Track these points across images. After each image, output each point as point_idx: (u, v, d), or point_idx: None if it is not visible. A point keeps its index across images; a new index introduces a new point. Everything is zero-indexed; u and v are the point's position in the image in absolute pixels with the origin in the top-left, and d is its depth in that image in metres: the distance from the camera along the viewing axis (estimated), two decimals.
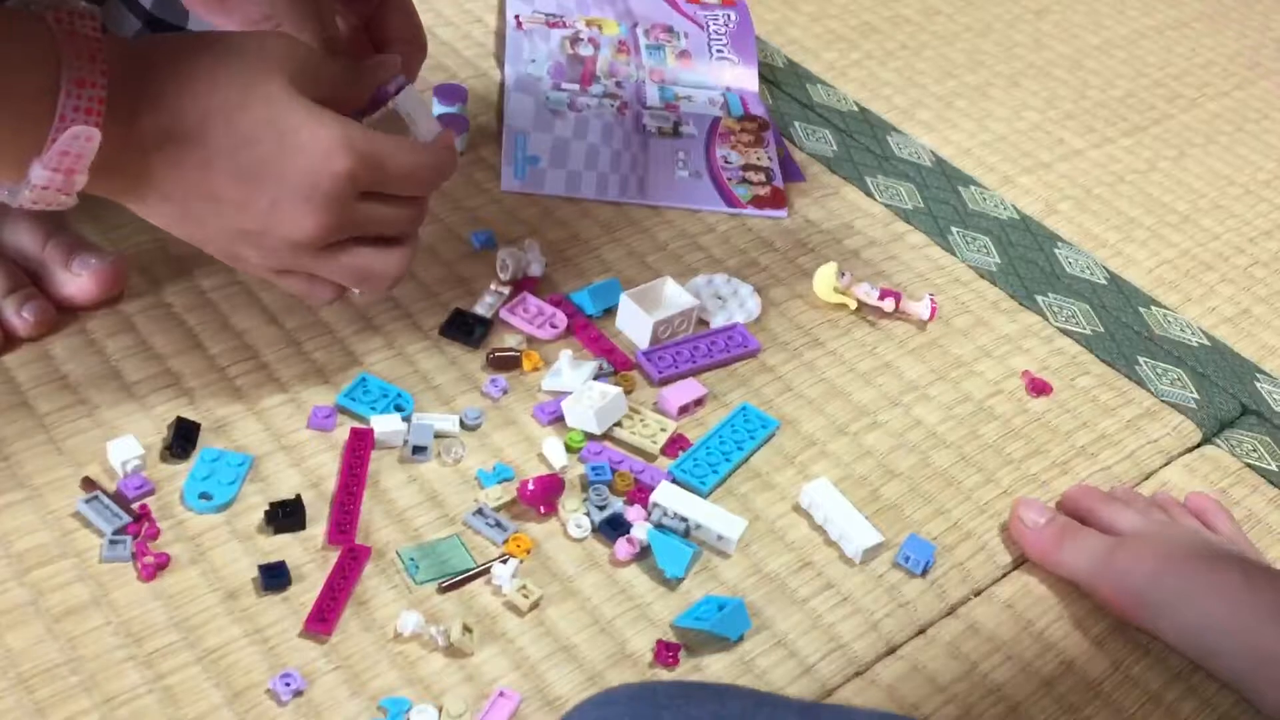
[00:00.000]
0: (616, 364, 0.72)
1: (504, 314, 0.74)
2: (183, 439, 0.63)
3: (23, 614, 0.55)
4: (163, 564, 0.58)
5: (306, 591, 0.58)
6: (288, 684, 0.54)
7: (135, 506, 0.60)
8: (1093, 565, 0.63)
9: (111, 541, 0.58)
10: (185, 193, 0.55)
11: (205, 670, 0.55)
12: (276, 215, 0.55)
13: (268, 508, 0.60)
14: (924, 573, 0.64)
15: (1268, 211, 0.96)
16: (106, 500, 0.59)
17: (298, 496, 0.61)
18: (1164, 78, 1.11)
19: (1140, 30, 1.17)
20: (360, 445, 0.64)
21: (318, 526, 0.61)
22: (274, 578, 0.58)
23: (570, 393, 0.68)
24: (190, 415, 0.64)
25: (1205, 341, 0.82)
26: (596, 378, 0.70)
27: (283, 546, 0.60)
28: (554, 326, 0.73)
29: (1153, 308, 0.84)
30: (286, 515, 0.60)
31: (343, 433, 0.65)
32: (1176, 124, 1.04)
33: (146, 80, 0.53)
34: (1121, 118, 1.04)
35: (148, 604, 0.57)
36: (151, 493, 0.61)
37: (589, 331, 0.74)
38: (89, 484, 0.60)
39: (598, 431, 0.67)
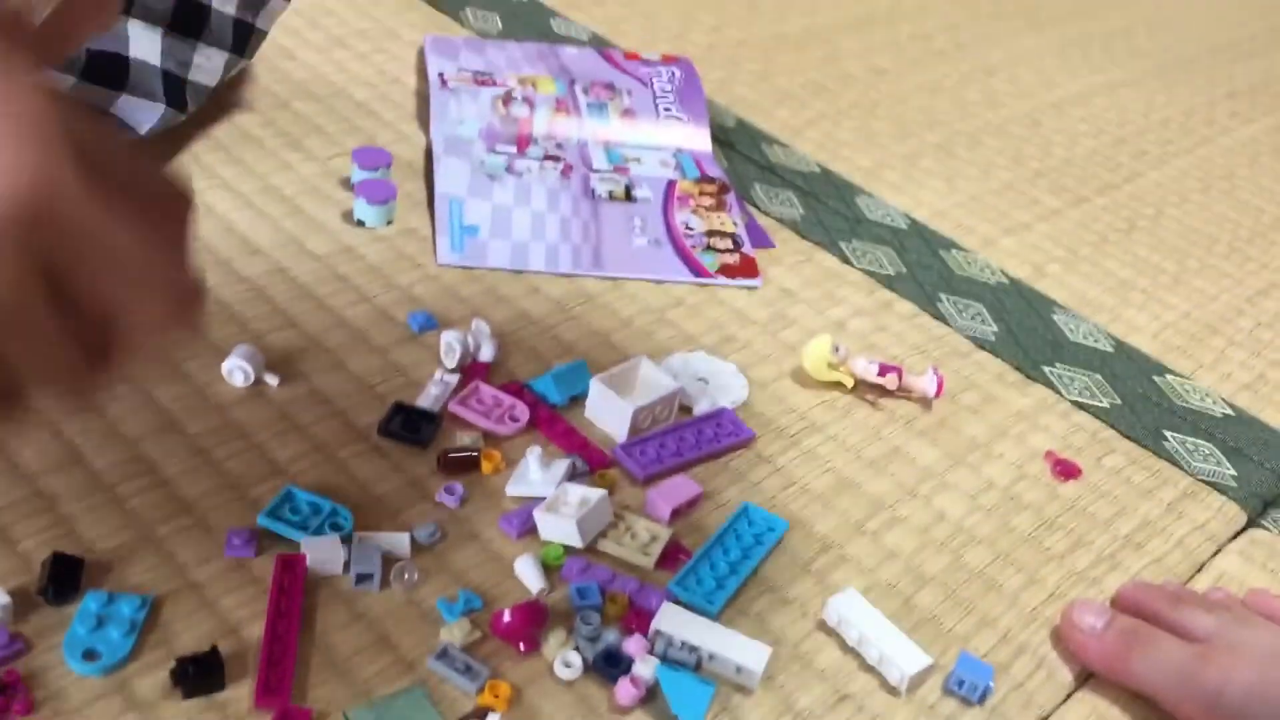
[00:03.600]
0: (592, 461, 0.61)
1: (454, 407, 0.62)
2: (61, 580, 0.49)
3: None
4: None
5: None
6: None
7: (1, 673, 0.46)
8: (1174, 679, 0.53)
9: None
10: None
11: None
12: None
13: (174, 664, 0.47)
14: (982, 699, 0.53)
15: (1257, 270, 0.89)
16: None
17: (213, 648, 0.48)
18: (1125, 135, 1.05)
19: (1091, 87, 1.12)
20: (290, 577, 0.52)
21: (241, 686, 0.48)
22: None
23: (542, 498, 0.57)
24: (70, 549, 0.51)
25: (1229, 411, 0.74)
26: (570, 479, 0.59)
27: (197, 715, 0.47)
28: (515, 420, 0.62)
29: (1167, 376, 0.76)
30: (199, 673, 0.47)
31: (267, 562, 0.52)
32: (1148, 181, 0.98)
33: None
34: (1092, 175, 0.97)
35: None
36: (22, 653, 0.47)
37: (556, 424, 0.62)
38: None
39: (581, 544, 0.55)
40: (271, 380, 0.61)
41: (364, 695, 0.48)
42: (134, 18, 0.71)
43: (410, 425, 0.60)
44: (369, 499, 0.57)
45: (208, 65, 0.75)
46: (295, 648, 0.49)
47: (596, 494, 0.56)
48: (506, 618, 0.51)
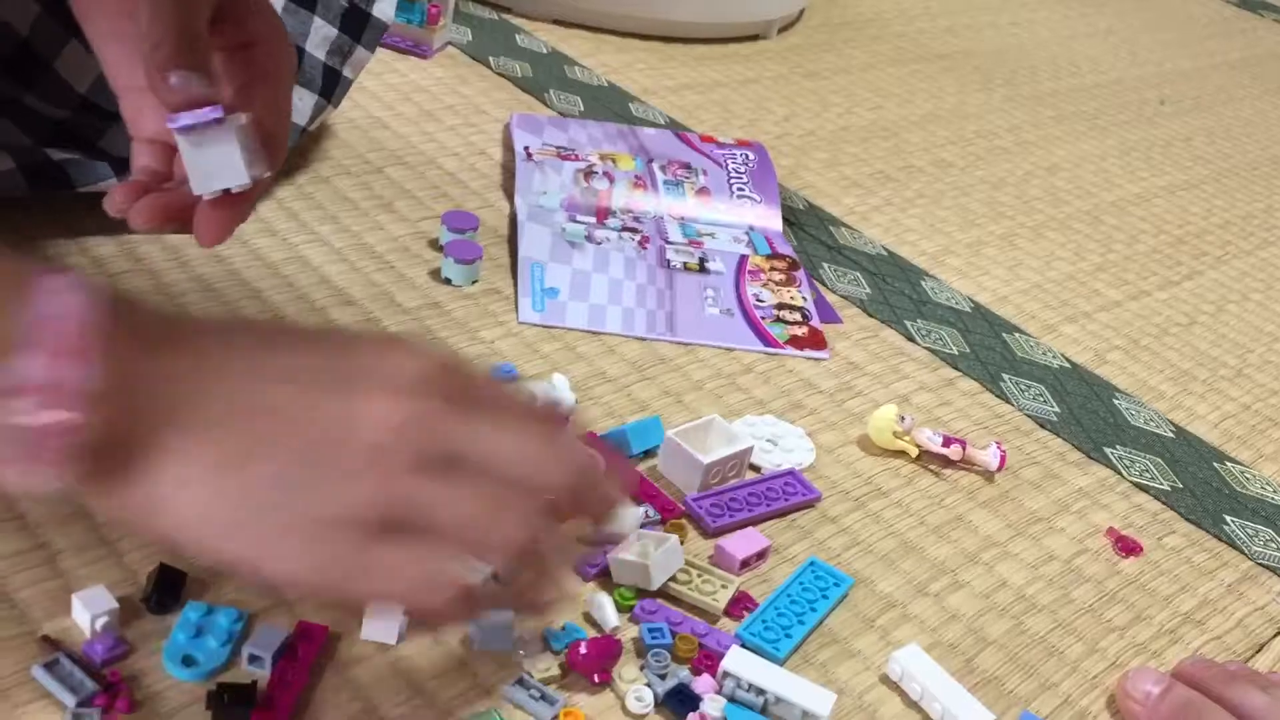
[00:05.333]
0: (664, 511, 0.63)
1: None
2: (166, 591, 0.52)
3: None
4: None
5: None
6: None
7: (105, 672, 0.49)
8: None
9: (75, 716, 0.46)
10: (230, 407, 0.41)
11: None
12: (356, 406, 0.41)
13: (213, 688, 0.48)
14: None
15: None
16: (70, 665, 0.48)
17: (253, 683, 0.49)
18: (1185, 235, 1.07)
19: (1151, 189, 1.15)
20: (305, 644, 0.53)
21: None
22: None
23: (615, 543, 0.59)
24: (172, 562, 0.53)
25: None
26: (642, 526, 0.61)
27: None
28: None
29: (1227, 463, 0.77)
30: (232, 701, 0.48)
31: None
32: (1208, 280, 1.00)
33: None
34: (1152, 271, 1.00)
35: None
36: (124, 655, 0.50)
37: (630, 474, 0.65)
38: (49, 644, 0.49)
39: (653, 587, 0.57)
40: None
41: (444, 717, 0.50)
42: None
43: None
44: None
45: (300, 106, 0.80)
46: (299, 688, 0.49)
47: (669, 539, 0.58)
48: (583, 649, 0.52)
